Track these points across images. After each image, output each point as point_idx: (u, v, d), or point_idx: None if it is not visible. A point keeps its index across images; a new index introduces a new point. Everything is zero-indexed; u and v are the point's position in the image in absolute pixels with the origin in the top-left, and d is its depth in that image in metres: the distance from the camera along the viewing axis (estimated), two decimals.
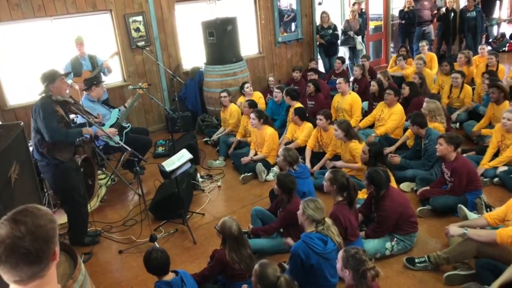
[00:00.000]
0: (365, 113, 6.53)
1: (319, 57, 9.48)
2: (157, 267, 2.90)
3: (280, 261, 3.63)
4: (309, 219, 3.07)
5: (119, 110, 5.51)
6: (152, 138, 6.03)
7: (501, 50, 10.68)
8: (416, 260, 3.54)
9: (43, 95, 3.86)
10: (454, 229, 3.42)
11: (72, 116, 4.35)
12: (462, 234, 3.33)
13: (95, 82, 5.37)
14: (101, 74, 6.33)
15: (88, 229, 4.46)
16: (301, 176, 4.21)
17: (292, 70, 8.23)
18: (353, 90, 7.32)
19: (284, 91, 6.41)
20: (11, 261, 1.23)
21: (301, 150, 5.62)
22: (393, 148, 5.51)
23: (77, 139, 4.72)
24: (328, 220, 3.13)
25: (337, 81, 6.43)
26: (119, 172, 5.54)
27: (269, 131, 5.60)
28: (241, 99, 6.93)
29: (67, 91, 5.45)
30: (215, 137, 6.74)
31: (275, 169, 5.48)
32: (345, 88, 6.38)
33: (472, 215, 3.85)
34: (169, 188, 4.64)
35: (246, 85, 6.93)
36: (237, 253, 3.13)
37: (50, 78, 3.82)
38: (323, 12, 9.05)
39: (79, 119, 5.26)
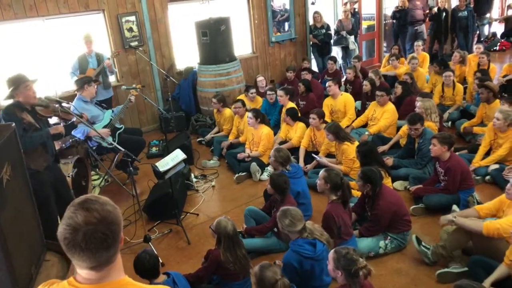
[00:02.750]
0: (358, 113, 6.54)
1: (312, 56, 9.51)
2: (145, 270, 2.89)
3: (275, 260, 3.64)
4: (291, 232, 3.09)
5: (113, 111, 5.48)
6: (145, 139, 6.02)
7: (492, 49, 10.77)
8: (423, 243, 3.58)
9: (9, 101, 3.63)
10: (444, 217, 3.52)
11: (56, 120, 4.20)
12: (450, 220, 3.40)
13: (86, 82, 5.31)
14: (106, 72, 6.31)
15: None
16: (295, 176, 4.23)
17: (285, 70, 8.23)
18: (346, 91, 7.32)
19: (284, 91, 6.35)
20: (91, 247, 1.24)
21: (295, 149, 5.64)
22: (386, 147, 5.55)
23: (66, 143, 4.66)
24: (308, 224, 3.13)
25: (327, 84, 6.36)
26: (113, 173, 5.51)
27: (265, 131, 5.61)
28: (241, 97, 6.85)
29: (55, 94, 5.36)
30: (208, 136, 6.72)
31: (270, 168, 5.47)
32: (335, 90, 6.32)
33: None
34: (163, 188, 4.63)
35: (251, 90, 6.78)
36: (232, 253, 3.13)
37: (15, 84, 3.59)
38: (315, 12, 9.08)
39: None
